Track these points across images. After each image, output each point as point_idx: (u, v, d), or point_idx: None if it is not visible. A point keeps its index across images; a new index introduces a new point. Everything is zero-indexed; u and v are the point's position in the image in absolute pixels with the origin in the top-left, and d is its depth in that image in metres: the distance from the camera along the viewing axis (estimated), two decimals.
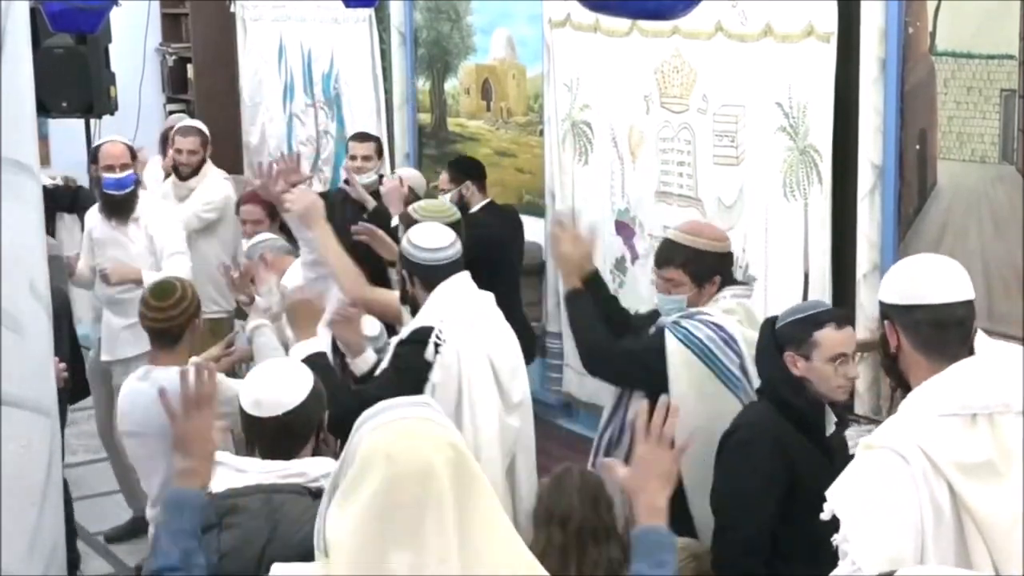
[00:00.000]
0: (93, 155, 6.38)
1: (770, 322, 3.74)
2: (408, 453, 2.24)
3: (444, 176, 6.26)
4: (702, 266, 4.13)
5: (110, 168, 5.99)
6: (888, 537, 2.50)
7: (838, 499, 2.63)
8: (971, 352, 2.76)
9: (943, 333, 2.72)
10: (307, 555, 2.95)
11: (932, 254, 2.99)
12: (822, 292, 4.97)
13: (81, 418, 6.18)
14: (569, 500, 3.63)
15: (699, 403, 3.96)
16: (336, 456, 3.12)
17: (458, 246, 4.09)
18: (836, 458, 3.57)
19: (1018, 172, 4.31)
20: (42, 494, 3.31)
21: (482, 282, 4.23)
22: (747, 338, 4.02)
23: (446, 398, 3.89)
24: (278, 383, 3.13)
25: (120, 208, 5.99)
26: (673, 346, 4.04)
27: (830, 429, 3.70)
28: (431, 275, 4.07)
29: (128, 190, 5.98)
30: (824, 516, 2.65)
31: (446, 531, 2.20)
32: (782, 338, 3.65)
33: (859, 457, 2.67)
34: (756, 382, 3.95)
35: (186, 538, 2.72)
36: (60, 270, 5.68)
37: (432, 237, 4.08)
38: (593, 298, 4.38)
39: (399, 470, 2.22)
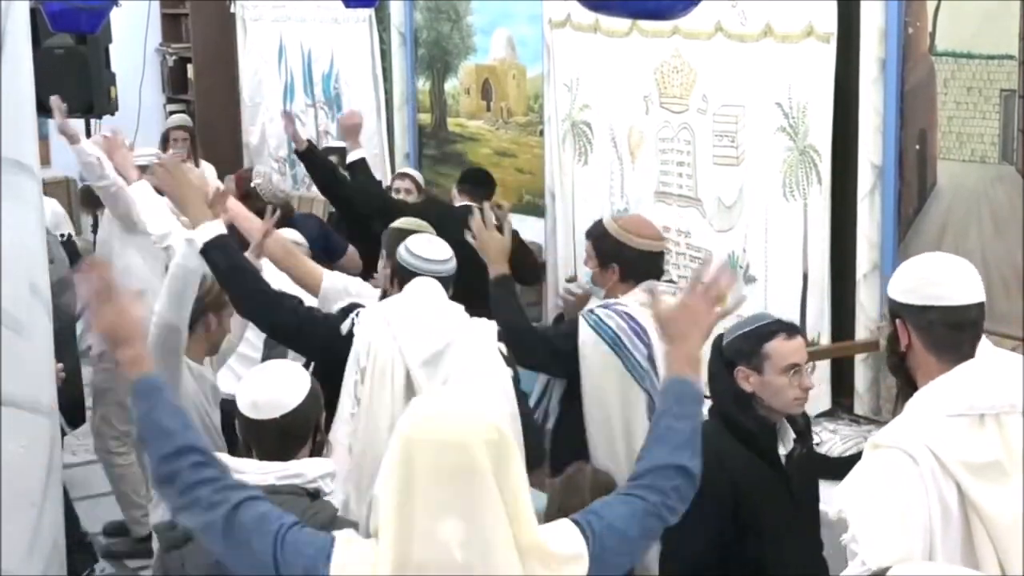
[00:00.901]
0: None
1: (718, 339, 3.61)
2: (447, 425, 2.27)
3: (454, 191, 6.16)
4: (603, 249, 4.30)
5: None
6: (898, 537, 2.50)
7: (846, 499, 2.61)
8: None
9: (957, 334, 2.71)
10: None
11: (945, 254, 2.98)
12: (822, 292, 4.97)
13: None
14: (581, 499, 3.60)
15: (609, 390, 4.11)
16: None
17: (453, 263, 4.06)
18: (796, 475, 3.51)
19: (1018, 172, 4.31)
20: (42, 494, 3.31)
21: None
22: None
23: (349, 377, 3.87)
24: (276, 385, 3.12)
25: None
26: (585, 333, 4.15)
27: (788, 446, 3.56)
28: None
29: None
30: (831, 516, 2.64)
31: (493, 499, 2.21)
32: (731, 354, 3.53)
33: (867, 456, 2.66)
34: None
35: (174, 414, 2.62)
36: (70, 289, 5.66)
37: (431, 249, 4.08)
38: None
39: (440, 438, 2.24)
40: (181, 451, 2.54)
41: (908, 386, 2.79)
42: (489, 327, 3.95)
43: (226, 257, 3.87)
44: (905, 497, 2.53)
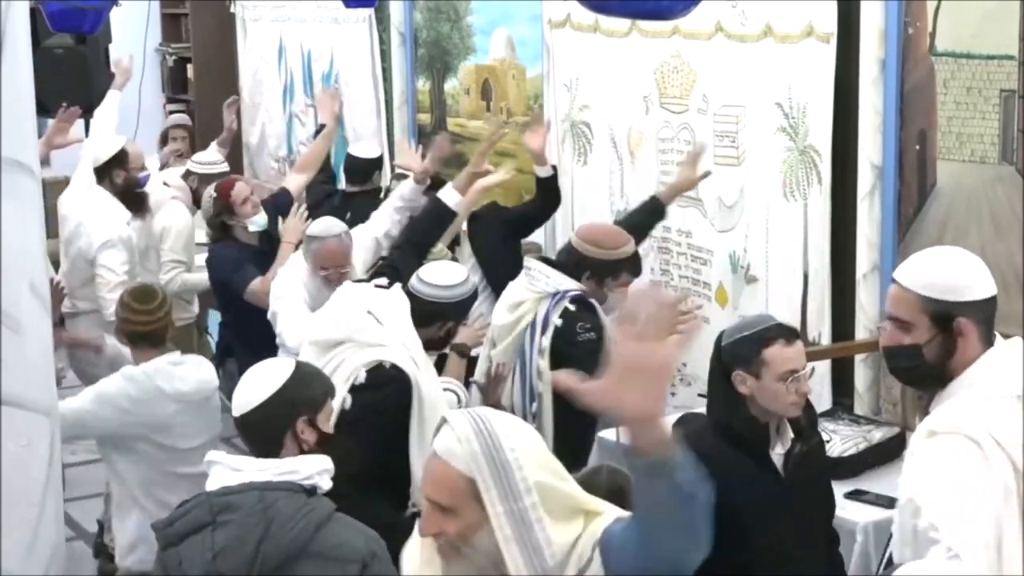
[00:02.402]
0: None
1: (719, 337, 3.61)
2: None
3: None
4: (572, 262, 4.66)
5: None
6: (980, 522, 2.51)
7: (915, 488, 2.60)
8: None
9: (994, 322, 2.78)
10: (300, 553, 2.97)
11: (947, 248, 3.03)
12: (822, 292, 4.97)
13: None
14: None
15: None
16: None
17: (471, 283, 4.34)
18: (795, 474, 3.50)
19: (1018, 172, 4.31)
20: (42, 494, 3.31)
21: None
22: None
23: None
24: (249, 383, 3.20)
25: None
26: None
27: (787, 445, 3.55)
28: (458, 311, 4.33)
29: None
30: (900, 504, 2.63)
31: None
32: (729, 357, 3.51)
33: (925, 445, 2.64)
34: None
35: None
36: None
37: (445, 275, 4.21)
38: None
39: None
40: None
41: (938, 383, 2.77)
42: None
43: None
44: (977, 482, 2.55)
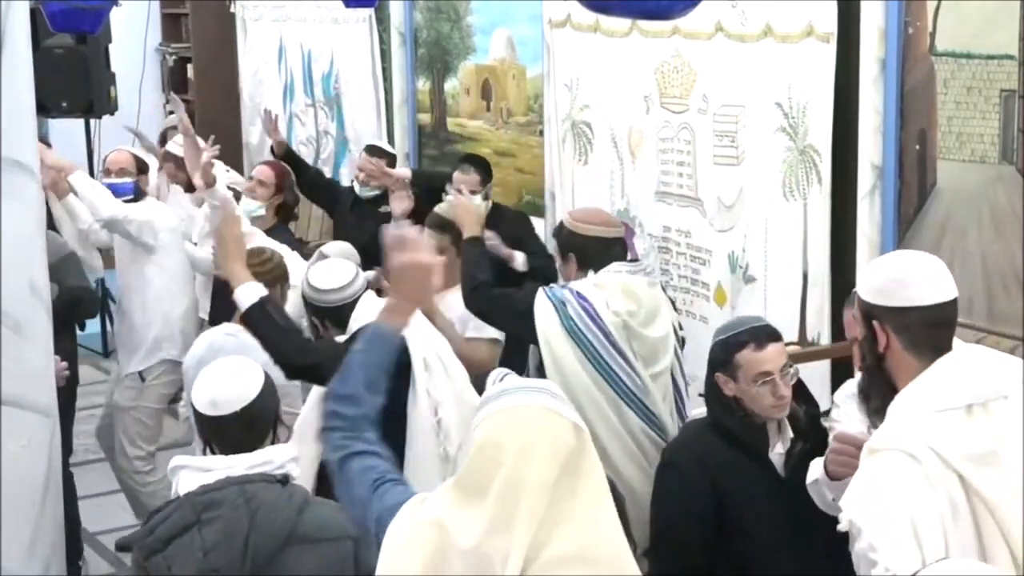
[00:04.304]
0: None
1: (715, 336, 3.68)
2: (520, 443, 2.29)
3: (473, 177, 6.03)
4: (560, 241, 4.55)
5: (107, 172, 6.15)
6: (915, 538, 2.49)
7: (854, 508, 2.59)
8: None
9: (936, 333, 2.72)
10: (289, 539, 3.00)
11: (912, 251, 2.98)
12: (822, 292, 4.97)
13: (81, 418, 6.17)
14: None
15: (569, 360, 4.23)
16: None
17: (360, 281, 4.22)
18: (796, 473, 3.47)
19: (1018, 172, 4.31)
20: (42, 494, 3.32)
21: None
22: (620, 309, 4.25)
23: None
24: (232, 380, 3.19)
25: None
26: (543, 303, 4.30)
27: (786, 444, 3.56)
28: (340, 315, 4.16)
29: (125, 199, 5.92)
30: (841, 527, 2.61)
31: (535, 520, 2.23)
32: (710, 360, 3.58)
33: (866, 463, 2.64)
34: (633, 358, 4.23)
35: (375, 370, 2.72)
36: (77, 266, 5.65)
37: (332, 277, 4.18)
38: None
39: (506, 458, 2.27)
40: (338, 395, 2.69)
41: (886, 388, 2.77)
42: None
43: (266, 321, 3.93)
44: (915, 498, 2.53)
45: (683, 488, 3.52)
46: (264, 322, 3.91)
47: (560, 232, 4.58)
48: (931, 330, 2.71)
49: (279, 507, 2.99)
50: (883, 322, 2.73)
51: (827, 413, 4.64)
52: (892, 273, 2.79)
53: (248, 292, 3.91)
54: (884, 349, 2.74)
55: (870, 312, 2.77)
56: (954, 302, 2.76)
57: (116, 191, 5.90)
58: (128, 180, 6.03)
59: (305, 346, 3.99)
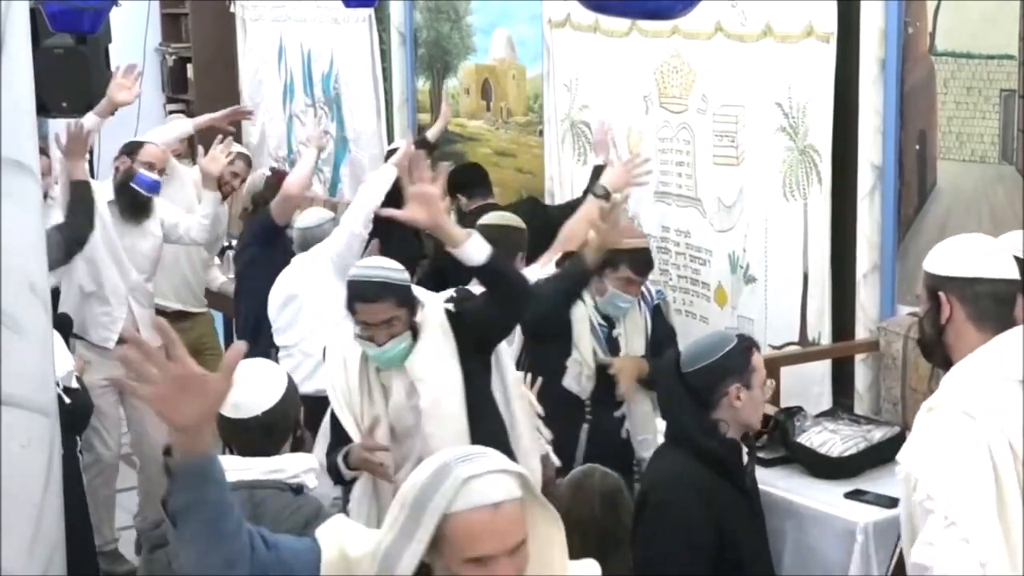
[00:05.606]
0: (130, 148, 6.33)
1: (674, 365, 3.51)
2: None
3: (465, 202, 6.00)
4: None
5: (150, 166, 6.05)
6: (972, 491, 2.54)
7: (911, 461, 2.65)
8: None
9: (1000, 307, 2.77)
10: None
11: (978, 234, 3.05)
12: (822, 292, 4.97)
13: None
14: (591, 507, 3.57)
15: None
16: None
17: None
18: (754, 496, 3.56)
19: (1018, 172, 4.31)
20: (42, 494, 3.31)
21: None
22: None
23: None
24: (254, 384, 3.16)
25: (142, 208, 6.01)
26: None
27: (745, 460, 3.53)
28: None
29: (154, 195, 6.03)
30: (899, 478, 2.67)
31: None
32: (726, 368, 3.44)
33: (923, 419, 2.69)
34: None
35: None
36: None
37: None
38: None
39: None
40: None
41: (942, 362, 2.84)
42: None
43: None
44: (970, 453, 2.58)
45: (684, 529, 3.37)
46: (510, 268, 3.80)
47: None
48: (995, 303, 2.77)
49: (282, 518, 2.97)
50: (949, 292, 2.79)
51: (826, 414, 4.65)
52: (964, 248, 2.87)
53: (479, 245, 3.53)
54: (947, 320, 2.79)
55: (936, 285, 2.83)
56: (1019, 282, 2.81)
57: (154, 187, 6.02)
58: (155, 176, 6.06)
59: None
